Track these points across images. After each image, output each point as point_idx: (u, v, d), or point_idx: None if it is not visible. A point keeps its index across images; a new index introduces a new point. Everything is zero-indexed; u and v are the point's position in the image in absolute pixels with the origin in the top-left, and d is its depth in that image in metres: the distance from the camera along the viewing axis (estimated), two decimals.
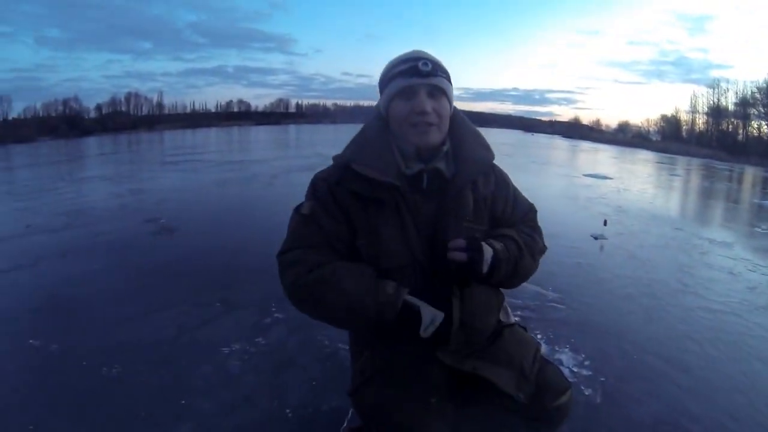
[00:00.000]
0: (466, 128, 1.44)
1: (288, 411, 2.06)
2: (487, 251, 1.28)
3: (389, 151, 1.34)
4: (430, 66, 1.29)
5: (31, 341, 2.65)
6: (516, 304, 3.19)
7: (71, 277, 3.77)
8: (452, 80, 1.37)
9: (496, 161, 1.49)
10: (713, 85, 40.57)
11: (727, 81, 40.01)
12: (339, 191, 1.31)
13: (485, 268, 1.26)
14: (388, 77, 1.34)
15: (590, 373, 2.44)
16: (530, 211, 1.57)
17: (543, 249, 1.52)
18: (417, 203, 1.31)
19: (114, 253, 4.47)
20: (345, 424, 1.82)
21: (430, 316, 1.22)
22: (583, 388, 2.29)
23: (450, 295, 1.29)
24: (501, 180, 1.50)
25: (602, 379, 2.39)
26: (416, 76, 1.28)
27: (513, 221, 1.49)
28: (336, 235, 1.30)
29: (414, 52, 1.35)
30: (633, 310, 3.37)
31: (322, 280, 1.22)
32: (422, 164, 1.33)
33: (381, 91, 1.38)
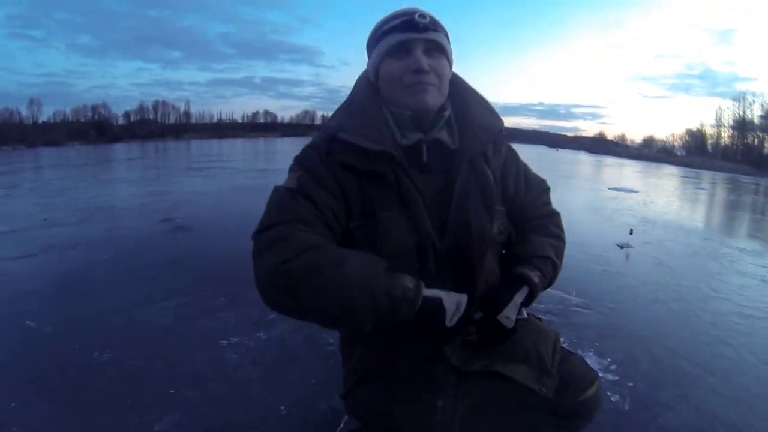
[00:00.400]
0: (468, 91, 1.24)
1: (282, 407, 1.90)
2: (512, 307, 1.13)
3: (381, 118, 1.13)
4: (427, 18, 1.10)
5: (27, 322, 2.62)
6: (537, 308, 2.98)
7: (77, 266, 3.75)
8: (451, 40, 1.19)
9: None
10: (739, 98, 39.86)
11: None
12: (330, 162, 1.09)
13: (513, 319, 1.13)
14: (378, 34, 1.14)
15: (617, 377, 2.24)
16: (544, 191, 1.38)
17: (565, 243, 1.33)
18: (417, 178, 1.10)
19: (124, 247, 4.45)
20: (342, 426, 1.66)
21: (455, 302, 1.04)
22: (609, 393, 2.08)
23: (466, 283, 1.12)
24: (510, 152, 1.31)
25: (630, 384, 2.18)
26: (411, 31, 1.09)
27: (527, 203, 1.30)
28: (332, 210, 1.05)
29: (406, 7, 1.14)
30: (662, 315, 3.14)
31: (320, 265, 0.94)
32: (420, 134, 1.13)
33: (369, 53, 1.19)
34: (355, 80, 1.24)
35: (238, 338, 2.47)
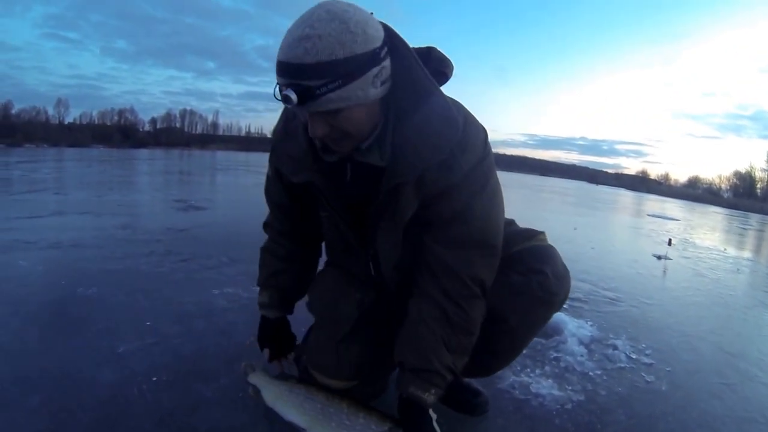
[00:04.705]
0: (415, 95, 0.94)
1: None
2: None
3: (306, 140, 1.01)
4: (294, 98, 0.82)
5: (20, 262, 2.57)
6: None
7: (81, 228, 3.69)
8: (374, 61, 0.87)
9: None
10: None
11: None
12: None
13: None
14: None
15: (652, 361, 1.96)
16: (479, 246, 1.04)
17: (480, 318, 1.07)
18: (341, 192, 1.06)
19: (133, 217, 4.47)
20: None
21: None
22: (644, 374, 1.84)
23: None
24: (465, 179, 0.98)
25: (668, 369, 1.91)
26: (286, 100, 0.85)
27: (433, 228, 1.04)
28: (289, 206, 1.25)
29: (288, 49, 0.84)
30: (704, 316, 2.83)
31: (263, 249, 1.41)
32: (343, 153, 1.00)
33: None
34: None
35: (233, 289, 2.31)
